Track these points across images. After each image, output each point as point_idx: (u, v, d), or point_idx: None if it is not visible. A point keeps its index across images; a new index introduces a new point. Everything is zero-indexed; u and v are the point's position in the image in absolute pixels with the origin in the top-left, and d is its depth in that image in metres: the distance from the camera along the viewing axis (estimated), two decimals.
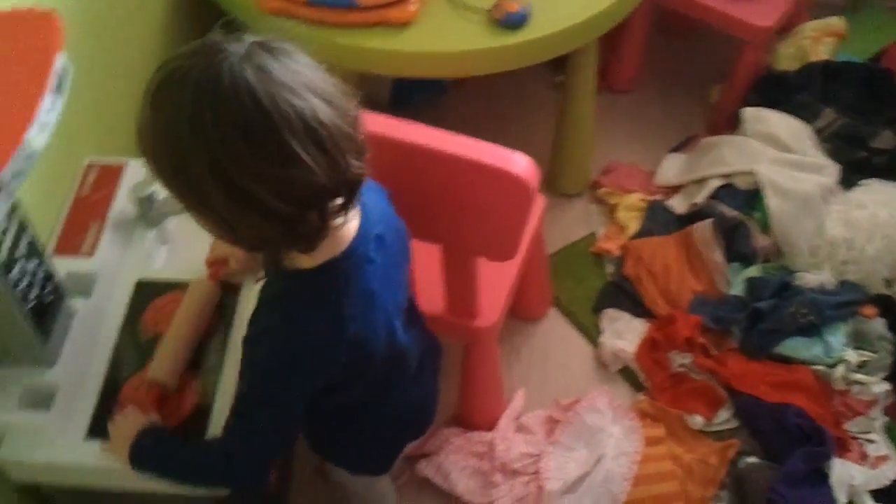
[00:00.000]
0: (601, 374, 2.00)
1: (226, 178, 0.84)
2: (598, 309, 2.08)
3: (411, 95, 2.21)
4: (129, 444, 1.12)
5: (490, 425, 1.85)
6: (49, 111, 0.92)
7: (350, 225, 1.02)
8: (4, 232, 1.06)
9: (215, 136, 0.83)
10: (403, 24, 1.66)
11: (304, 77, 0.87)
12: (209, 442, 1.18)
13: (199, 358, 1.29)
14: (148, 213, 1.43)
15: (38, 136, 0.90)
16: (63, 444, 1.21)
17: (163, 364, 1.25)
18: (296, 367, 1.03)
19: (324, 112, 0.86)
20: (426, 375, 1.32)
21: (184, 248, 1.42)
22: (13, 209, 1.09)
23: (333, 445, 1.34)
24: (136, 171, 1.47)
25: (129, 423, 1.16)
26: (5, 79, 0.95)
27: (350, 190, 0.94)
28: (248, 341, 1.08)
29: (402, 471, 1.81)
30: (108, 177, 1.47)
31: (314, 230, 0.93)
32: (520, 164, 1.21)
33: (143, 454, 1.13)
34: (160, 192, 1.41)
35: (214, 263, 1.33)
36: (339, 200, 0.94)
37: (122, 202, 1.44)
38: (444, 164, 1.24)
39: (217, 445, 1.13)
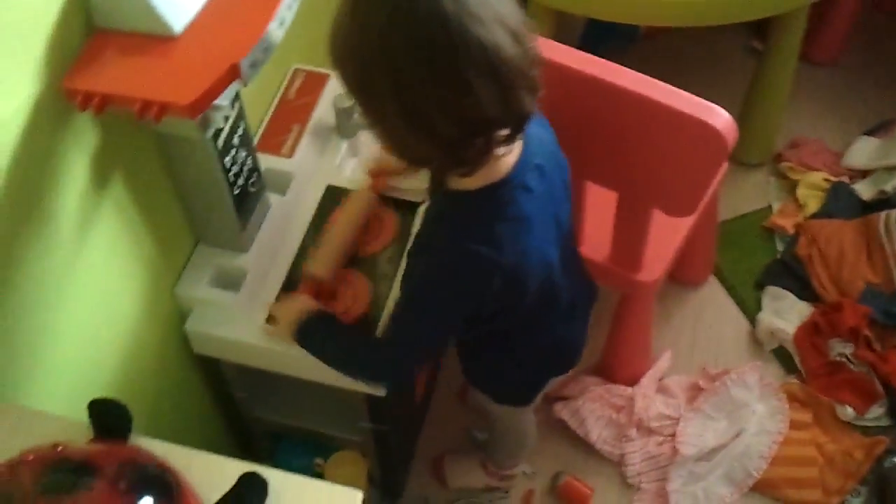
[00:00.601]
0: (753, 350, 1.96)
1: (404, 97, 0.89)
2: (761, 285, 2.03)
3: (599, 43, 2.19)
4: (298, 321, 1.20)
5: (632, 380, 1.86)
6: (289, 7, 0.98)
7: (512, 153, 1.04)
8: (226, 118, 1.14)
9: (402, 57, 0.86)
10: None
11: (495, 10, 0.88)
12: (368, 338, 1.24)
13: (372, 268, 1.37)
14: (344, 125, 1.50)
15: (277, 30, 0.97)
16: (244, 325, 1.31)
17: (320, 261, 1.32)
18: (449, 283, 1.06)
19: (507, 48, 0.88)
20: (578, 316, 1.33)
21: None
22: (236, 98, 1.17)
23: (483, 373, 1.39)
24: (338, 83, 1.54)
25: (298, 304, 1.24)
26: None
27: (518, 123, 0.96)
28: (409, 255, 1.14)
29: (538, 410, 1.85)
30: (313, 84, 1.54)
31: (477, 155, 0.96)
32: (721, 117, 1.19)
33: (309, 331, 1.21)
34: None
35: (376, 175, 1.39)
36: (506, 131, 0.96)
37: (323, 111, 1.52)
38: (640, 108, 1.23)
39: (373, 340, 1.20)
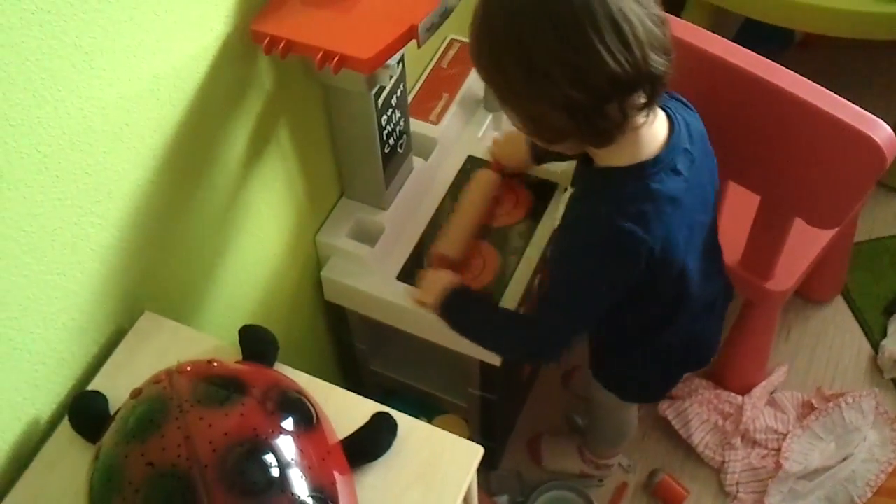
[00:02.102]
0: (873, 376, 1.90)
1: (530, 64, 0.91)
2: (890, 311, 1.96)
3: (753, 44, 2.14)
4: (442, 296, 1.24)
5: (743, 389, 1.83)
6: None
7: (660, 133, 1.05)
8: (391, 78, 1.19)
9: (527, 24, 0.90)
10: None
11: None
12: (521, 315, 1.27)
13: (502, 241, 1.40)
14: (491, 98, 1.52)
15: None
16: (375, 279, 1.36)
17: (449, 240, 1.35)
18: (599, 259, 1.08)
19: (629, 6, 0.90)
20: (716, 312, 1.33)
21: None
22: (401, 60, 1.21)
23: (618, 371, 1.38)
24: None
25: (441, 278, 1.27)
26: None
27: (651, 86, 0.96)
28: (562, 231, 1.15)
29: (642, 405, 1.84)
30: (466, 56, 1.56)
31: (613, 125, 0.96)
32: (883, 132, 1.16)
33: (454, 307, 1.23)
34: None
35: (497, 159, 1.42)
36: (642, 98, 0.96)
37: (472, 82, 1.55)
38: (797, 111, 1.21)
39: (528, 319, 1.22)
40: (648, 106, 0.98)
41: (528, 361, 1.31)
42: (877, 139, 1.15)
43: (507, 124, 1.53)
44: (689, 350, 1.33)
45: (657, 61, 0.94)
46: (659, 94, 0.98)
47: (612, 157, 1.04)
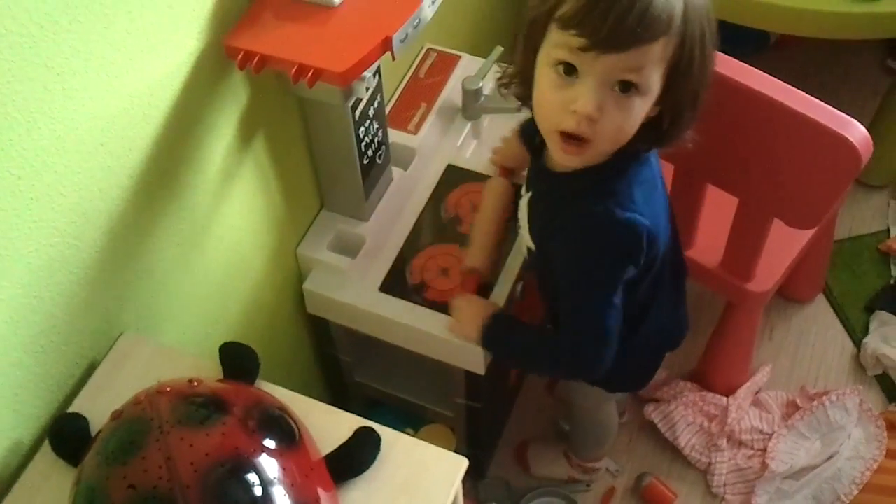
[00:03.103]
0: (856, 374, 1.91)
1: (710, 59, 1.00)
2: (871, 308, 1.98)
3: (730, 48, 2.15)
4: (480, 326, 1.22)
5: (728, 391, 1.84)
6: None
7: None
8: (367, 90, 1.18)
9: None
10: None
11: None
12: (557, 336, 1.21)
13: None
14: (470, 106, 1.52)
15: (429, 7, 1.00)
16: (358, 291, 1.36)
17: (477, 253, 1.33)
18: (612, 253, 1.07)
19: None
20: (680, 289, 1.33)
21: (490, 146, 1.51)
22: (378, 71, 1.21)
23: None
24: (468, 65, 1.57)
25: (474, 306, 1.26)
26: None
27: None
28: (559, 240, 1.11)
29: (625, 409, 1.85)
30: (443, 64, 1.58)
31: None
32: (858, 132, 1.17)
33: (497, 336, 1.22)
34: (486, 89, 1.50)
35: (501, 165, 1.41)
36: None
37: (450, 91, 1.55)
38: (773, 114, 1.22)
39: (563, 339, 1.17)
40: None
41: (579, 378, 1.29)
42: (852, 139, 1.17)
43: (486, 132, 1.54)
44: (670, 331, 1.34)
45: None
46: None
47: (592, 157, 1.03)
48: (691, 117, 1.02)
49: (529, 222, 1.16)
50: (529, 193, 1.16)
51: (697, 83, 0.99)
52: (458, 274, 1.34)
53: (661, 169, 1.16)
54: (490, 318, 1.22)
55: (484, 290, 1.32)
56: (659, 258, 1.14)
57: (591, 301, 1.11)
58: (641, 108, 0.97)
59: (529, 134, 1.36)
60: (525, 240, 1.20)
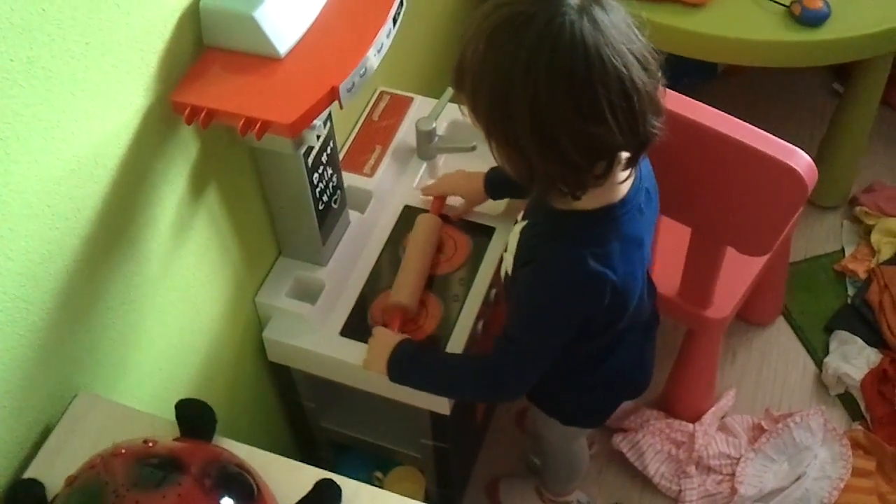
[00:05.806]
0: (819, 394, 1.94)
1: (539, 122, 0.91)
2: (830, 328, 2.01)
3: (678, 77, 2.20)
4: (387, 358, 1.22)
5: (693, 417, 1.85)
6: (387, 35, 1.02)
7: (625, 175, 1.05)
8: (318, 137, 1.19)
9: (544, 83, 0.89)
10: (696, 5, 1.67)
11: (626, 37, 0.91)
12: (474, 357, 1.26)
13: (443, 288, 1.40)
14: (424, 147, 1.54)
15: (374, 56, 1.01)
16: (318, 337, 1.35)
17: (404, 289, 1.34)
18: (565, 299, 1.08)
19: (639, 77, 0.91)
20: (649, 338, 1.34)
21: None
22: (328, 118, 1.21)
23: (555, 395, 1.38)
24: (421, 106, 1.58)
25: (381, 340, 1.26)
26: (360, 8, 1.06)
27: (641, 147, 0.98)
28: (528, 270, 1.11)
29: (594, 441, 1.85)
30: (397, 107, 1.59)
31: (596, 179, 0.98)
32: (803, 160, 1.20)
33: (404, 365, 1.23)
34: (440, 129, 1.52)
35: (435, 198, 1.42)
36: (626, 155, 0.99)
37: (405, 133, 1.56)
38: (720, 146, 1.25)
39: (486, 361, 1.19)
40: (632, 163, 1.00)
41: (489, 401, 1.30)
42: (797, 168, 1.19)
43: (442, 172, 1.55)
44: (628, 377, 1.34)
45: (655, 126, 0.97)
46: (645, 152, 1.00)
47: (583, 201, 1.03)
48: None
49: (517, 248, 1.17)
50: (525, 222, 1.16)
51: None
52: (384, 310, 1.35)
53: (655, 219, 1.16)
54: (397, 348, 1.23)
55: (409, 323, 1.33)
56: (629, 312, 1.15)
57: (532, 336, 1.13)
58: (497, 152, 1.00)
59: (497, 183, 1.38)
60: (507, 263, 1.21)
